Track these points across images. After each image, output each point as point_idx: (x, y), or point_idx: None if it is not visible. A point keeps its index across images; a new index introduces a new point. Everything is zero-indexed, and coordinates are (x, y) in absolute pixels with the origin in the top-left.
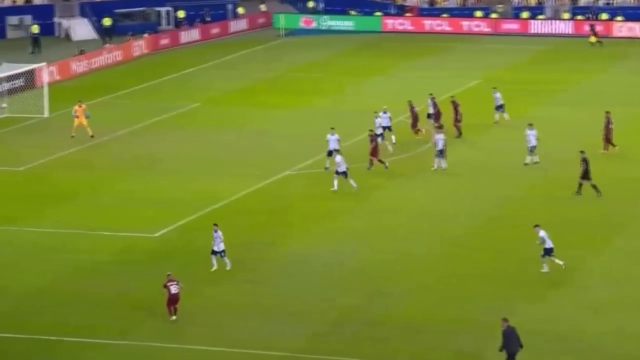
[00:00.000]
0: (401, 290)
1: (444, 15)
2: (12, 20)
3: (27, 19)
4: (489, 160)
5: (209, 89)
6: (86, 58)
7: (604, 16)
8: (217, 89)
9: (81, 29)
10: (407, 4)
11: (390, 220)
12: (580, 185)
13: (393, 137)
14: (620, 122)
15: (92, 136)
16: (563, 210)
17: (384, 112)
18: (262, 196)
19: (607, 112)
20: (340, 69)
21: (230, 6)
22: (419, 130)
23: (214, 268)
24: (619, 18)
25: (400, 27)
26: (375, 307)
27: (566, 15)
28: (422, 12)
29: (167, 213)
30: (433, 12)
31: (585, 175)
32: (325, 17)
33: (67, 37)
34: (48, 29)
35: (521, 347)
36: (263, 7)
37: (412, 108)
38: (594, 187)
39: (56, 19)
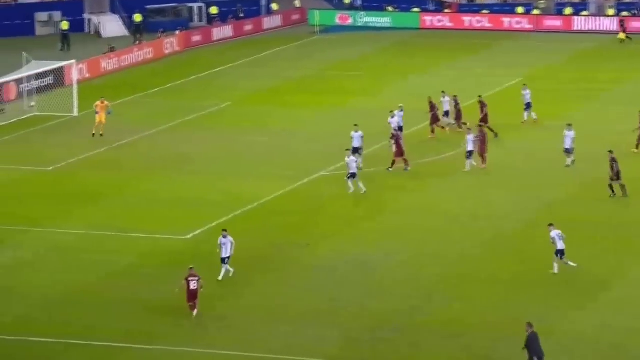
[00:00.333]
0: (436, 294)
1: (484, 11)
2: (41, 16)
3: (57, 15)
4: (524, 161)
5: (240, 87)
6: (116, 55)
7: None
8: (250, 88)
9: (111, 25)
10: (446, 0)
11: (424, 222)
12: (611, 186)
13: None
14: None
15: (101, 134)
16: (601, 213)
17: (400, 110)
18: (295, 197)
19: None
20: (377, 67)
21: (264, 2)
22: (464, 123)
23: (225, 276)
24: None
25: (439, 24)
26: (410, 311)
27: (611, 12)
28: (462, 9)
29: (198, 214)
30: (473, 8)
31: (617, 175)
32: (362, 13)
33: (97, 33)
34: (78, 26)
35: (543, 355)
36: (298, 3)
37: (432, 105)
38: (622, 187)
39: (86, 15)
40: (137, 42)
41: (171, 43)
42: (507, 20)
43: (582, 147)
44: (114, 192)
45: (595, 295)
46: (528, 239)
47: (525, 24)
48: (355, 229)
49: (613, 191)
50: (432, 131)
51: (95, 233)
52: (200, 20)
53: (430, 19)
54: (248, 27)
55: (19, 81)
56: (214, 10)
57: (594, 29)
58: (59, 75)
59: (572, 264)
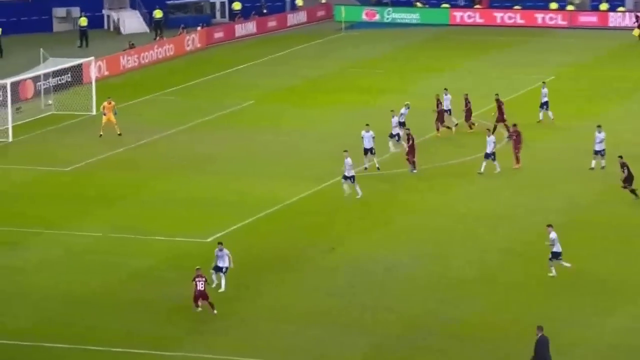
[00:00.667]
0: (461, 298)
1: (517, 7)
2: (59, 12)
3: (75, 11)
4: (551, 162)
5: (263, 86)
6: (136, 52)
7: None
8: (273, 87)
9: (131, 21)
10: None
11: (447, 225)
12: (633, 190)
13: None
14: None
15: (119, 134)
16: (626, 217)
17: (406, 108)
18: (319, 199)
19: None
20: (404, 64)
21: None
22: (472, 124)
23: (215, 284)
24: None
25: (469, 20)
26: (436, 316)
27: None
28: (493, 4)
29: (219, 216)
30: (505, 3)
31: (627, 179)
32: (389, 9)
33: (117, 30)
34: (97, 22)
35: None
36: None
37: (439, 102)
38: (633, 191)
39: (105, 11)
40: (158, 38)
41: (192, 40)
42: (540, 17)
43: (612, 149)
44: (132, 194)
45: (623, 301)
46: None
47: (559, 20)
48: (379, 231)
49: (636, 195)
50: (438, 129)
51: (113, 235)
52: (223, 17)
53: (460, 15)
54: (272, 24)
55: (36, 79)
56: (236, 5)
57: (630, 25)
58: (77, 73)
59: (566, 264)
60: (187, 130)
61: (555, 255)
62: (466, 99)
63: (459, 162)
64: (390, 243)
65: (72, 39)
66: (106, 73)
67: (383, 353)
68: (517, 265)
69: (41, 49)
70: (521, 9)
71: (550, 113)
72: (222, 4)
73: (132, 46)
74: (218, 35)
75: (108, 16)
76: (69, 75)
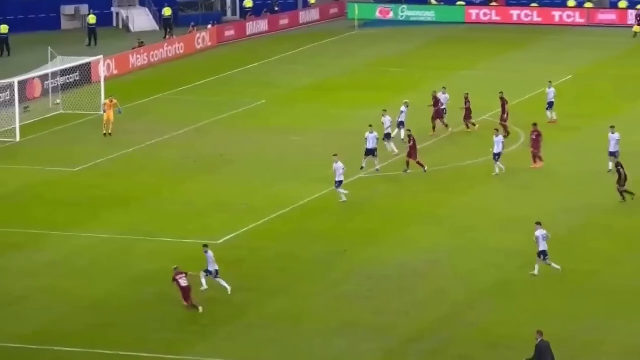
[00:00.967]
0: (483, 303)
1: (534, 4)
2: (68, 10)
3: (84, 8)
4: (571, 163)
5: (276, 85)
6: (146, 51)
7: None
8: (285, 85)
9: (141, 19)
10: None
11: (466, 227)
12: (626, 191)
13: (402, 133)
14: None
15: (110, 134)
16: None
17: (406, 106)
18: (333, 200)
19: None
20: (419, 63)
21: None
22: (472, 124)
23: (203, 288)
24: None
25: (485, 18)
26: (455, 320)
27: None
28: (510, 2)
29: (231, 218)
30: (521, 1)
31: (620, 181)
32: (404, 7)
33: (126, 28)
34: (105, 20)
35: None
36: None
37: (436, 100)
38: (624, 193)
39: (114, 9)
40: (167, 37)
41: (203, 38)
42: (557, 14)
43: (628, 148)
44: (142, 195)
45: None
46: (574, 245)
47: (576, 18)
48: (398, 233)
49: (630, 193)
50: (433, 128)
51: (123, 237)
52: (234, 14)
53: (476, 13)
54: (284, 22)
55: (43, 78)
56: (248, 3)
57: None
58: (85, 72)
59: (555, 266)
60: (198, 130)
61: (539, 255)
62: (466, 98)
63: (472, 163)
64: (404, 246)
65: (81, 37)
66: (115, 72)
67: (398, 359)
68: (546, 268)
69: (49, 48)
70: (538, 7)
71: (554, 114)
72: (233, 1)
73: (141, 44)
74: (229, 33)
75: (117, 14)
76: (78, 74)
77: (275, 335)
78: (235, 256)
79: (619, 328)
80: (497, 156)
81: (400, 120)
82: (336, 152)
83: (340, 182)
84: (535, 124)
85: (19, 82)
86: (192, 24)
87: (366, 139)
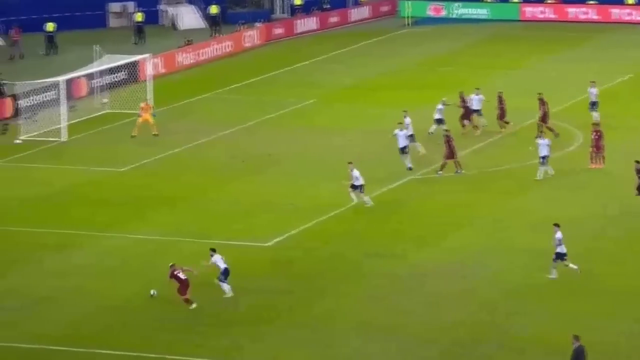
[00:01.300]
0: (524, 308)
1: (591, 2)
2: (114, 7)
3: (130, 6)
4: (620, 166)
5: (325, 84)
6: (193, 49)
7: None
8: (335, 84)
9: (188, 17)
10: None
11: (509, 231)
12: None
13: (434, 129)
14: None
15: (156, 134)
16: None
17: (443, 104)
18: (384, 203)
19: None
20: (472, 62)
21: None
22: (506, 122)
23: (228, 295)
24: None
25: (541, 16)
26: (507, 327)
27: None
28: None
29: (280, 220)
30: None
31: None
32: (457, 4)
33: (173, 26)
34: (153, 17)
35: None
36: None
37: (463, 99)
38: None
39: (161, 7)
40: (214, 35)
41: (251, 36)
42: (615, 12)
43: None
44: (189, 195)
45: None
46: (627, 248)
47: (635, 15)
48: (447, 236)
49: None
50: (463, 126)
51: (170, 239)
52: (283, 12)
53: (531, 10)
54: (333, 19)
55: (90, 76)
56: (297, 1)
57: None
58: (132, 70)
59: (573, 266)
60: (246, 129)
61: (559, 257)
62: (500, 98)
63: (516, 166)
64: (452, 250)
65: (128, 35)
66: (162, 70)
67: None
68: (591, 273)
69: (96, 46)
70: (596, 4)
71: (597, 114)
72: None
73: (189, 43)
74: (278, 31)
75: (165, 12)
76: (124, 72)
77: (322, 339)
78: (285, 259)
79: None
80: (543, 159)
81: (436, 117)
82: (387, 151)
83: (361, 186)
84: (596, 124)
85: (66, 81)
86: (241, 21)
87: (396, 136)
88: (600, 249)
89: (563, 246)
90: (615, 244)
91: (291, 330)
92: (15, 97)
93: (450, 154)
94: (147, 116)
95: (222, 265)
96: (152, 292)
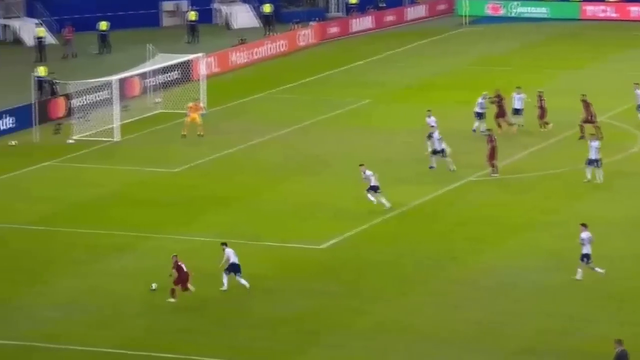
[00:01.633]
0: (599, 313)
1: None
2: (168, 6)
3: (184, 4)
4: None
5: (381, 83)
6: (247, 48)
7: None
8: (390, 84)
9: (242, 16)
10: None
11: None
12: None
13: (478, 124)
14: None
15: (201, 135)
16: None
17: (483, 98)
18: (441, 205)
19: None
20: (530, 62)
21: None
22: (546, 123)
23: (224, 288)
24: None
25: (602, 15)
26: (571, 333)
27: None
28: None
29: (335, 222)
30: None
31: None
32: (515, 3)
33: (227, 25)
34: (206, 16)
35: None
36: None
37: (499, 97)
38: None
39: (215, 5)
40: (268, 33)
41: (306, 35)
42: None
43: None
44: (242, 197)
45: None
46: None
47: None
48: (508, 241)
49: None
50: (499, 125)
51: (223, 240)
52: (338, 11)
53: (592, 9)
54: (389, 18)
55: (143, 76)
56: None
57: None
58: (185, 70)
59: (599, 270)
60: (301, 130)
61: (582, 258)
62: (540, 97)
63: (574, 169)
64: (514, 254)
65: (181, 34)
66: (216, 70)
67: None
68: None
69: (149, 45)
70: None
71: None
72: None
73: (242, 42)
74: (333, 30)
75: (218, 10)
76: (178, 72)
77: (379, 344)
78: (339, 261)
79: None
80: (593, 162)
81: (476, 110)
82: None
83: (376, 187)
84: (580, 126)
85: (118, 81)
86: (295, 20)
87: (432, 138)
88: None
89: (589, 247)
90: None
91: (346, 336)
92: (68, 97)
93: (492, 155)
94: (194, 115)
95: (232, 259)
96: (152, 285)
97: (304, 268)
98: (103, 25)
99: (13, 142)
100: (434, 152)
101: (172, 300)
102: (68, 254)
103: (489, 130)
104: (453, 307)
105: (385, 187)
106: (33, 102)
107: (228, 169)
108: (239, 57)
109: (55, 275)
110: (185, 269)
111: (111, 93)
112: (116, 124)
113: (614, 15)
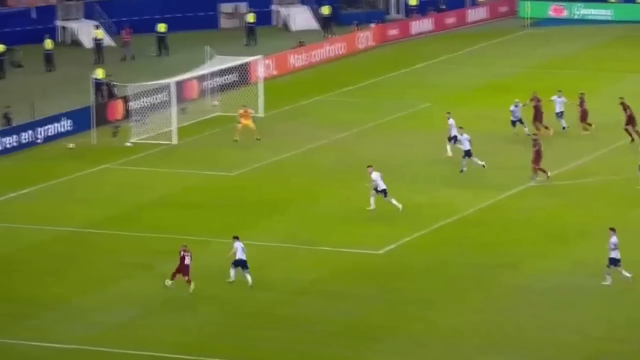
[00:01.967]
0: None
1: None
2: (226, 8)
3: (242, 6)
4: None
5: (441, 86)
6: (305, 50)
7: None
8: (451, 87)
9: (301, 18)
10: None
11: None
12: None
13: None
14: None
15: (258, 139)
16: None
17: (515, 106)
18: (499, 211)
19: None
20: (593, 65)
21: None
22: (589, 124)
23: (231, 279)
24: None
25: None
26: (627, 341)
27: None
28: None
29: (392, 227)
30: None
31: None
32: (579, 4)
33: (286, 26)
34: (264, 18)
35: None
36: None
37: (537, 100)
38: None
39: (274, 7)
40: (327, 35)
41: (365, 37)
42: None
43: None
44: (300, 201)
45: None
46: None
47: None
48: (567, 246)
49: None
50: (537, 129)
51: (280, 245)
52: (398, 12)
53: None
54: (450, 20)
55: (201, 78)
56: (412, 1)
57: None
58: (243, 72)
59: (626, 274)
60: (360, 133)
61: (612, 262)
62: (581, 99)
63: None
64: (571, 260)
65: (239, 36)
66: (274, 72)
67: None
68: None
69: (207, 47)
70: None
71: None
72: None
73: (301, 44)
74: (392, 32)
75: (277, 12)
76: (236, 74)
77: (433, 351)
78: (397, 267)
79: None
80: None
81: (512, 119)
82: (505, 158)
83: (383, 190)
84: (626, 129)
85: (176, 83)
86: (354, 22)
87: (459, 140)
88: None
89: (617, 251)
90: None
91: (402, 342)
92: (125, 99)
93: (537, 159)
94: (246, 122)
95: (239, 254)
96: (167, 282)
97: (361, 273)
98: (161, 27)
99: (71, 145)
100: (467, 153)
101: (169, 282)
102: (122, 257)
103: (534, 134)
104: (503, 315)
105: (443, 191)
106: (91, 104)
107: (285, 172)
108: (297, 59)
109: (110, 279)
110: (186, 262)
111: (169, 95)
112: (174, 126)
113: None
